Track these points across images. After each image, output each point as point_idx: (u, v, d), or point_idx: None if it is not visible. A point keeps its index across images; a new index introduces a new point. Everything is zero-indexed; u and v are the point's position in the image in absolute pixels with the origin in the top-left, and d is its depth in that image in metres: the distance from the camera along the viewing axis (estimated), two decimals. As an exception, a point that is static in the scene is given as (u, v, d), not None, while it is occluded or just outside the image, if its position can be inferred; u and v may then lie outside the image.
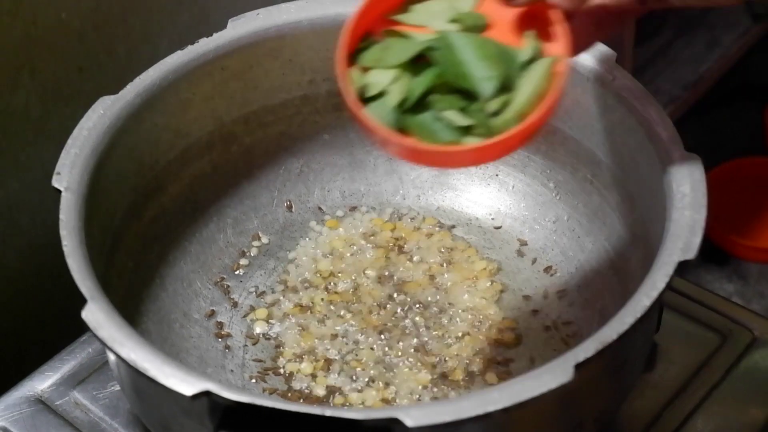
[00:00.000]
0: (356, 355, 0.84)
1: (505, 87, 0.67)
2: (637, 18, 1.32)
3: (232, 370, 0.84)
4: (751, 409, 0.83)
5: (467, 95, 0.67)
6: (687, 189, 0.74)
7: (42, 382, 0.86)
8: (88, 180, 0.77)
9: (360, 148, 0.94)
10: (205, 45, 0.86)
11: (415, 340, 0.84)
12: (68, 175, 0.76)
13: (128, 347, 0.67)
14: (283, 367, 0.84)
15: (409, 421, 0.62)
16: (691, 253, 0.69)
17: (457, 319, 0.86)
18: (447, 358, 0.83)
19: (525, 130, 0.66)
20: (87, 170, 0.77)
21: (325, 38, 0.84)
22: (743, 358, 0.86)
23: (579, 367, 0.64)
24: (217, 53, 0.86)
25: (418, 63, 0.69)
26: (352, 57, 0.69)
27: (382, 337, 0.85)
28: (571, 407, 0.71)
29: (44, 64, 0.93)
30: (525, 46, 0.69)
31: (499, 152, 0.69)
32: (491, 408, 0.63)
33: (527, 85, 0.67)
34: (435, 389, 0.82)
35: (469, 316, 0.86)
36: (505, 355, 0.84)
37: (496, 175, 0.94)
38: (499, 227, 0.93)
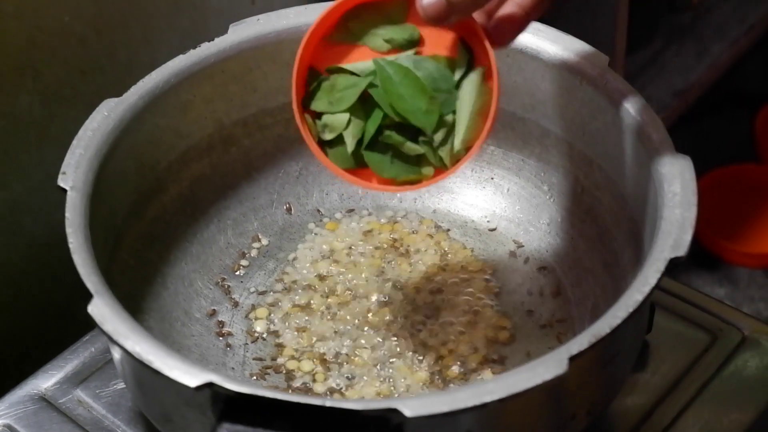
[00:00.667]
0: (354, 354, 0.84)
1: (445, 111, 0.73)
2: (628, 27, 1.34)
3: (233, 368, 0.85)
4: (741, 407, 0.83)
5: (414, 127, 0.74)
6: (677, 188, 0.74)
7: (46, 381, 0.86)
8: (92, 179, 0.78)
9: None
10: (206, 49, 0.87)
11: (412, 340, 0.85)
12: (73, 174, 0.77)
13: (133, 340, 0.68)
14: (284, 365, 0.84)
15: (407, 411, 0.63)
16: (682, 250, 0.70)
17: (454, 319, 0.86)
18: (444, 357, 0.84)
19: (472, 153, 0.72)
20: (91, 170, 0.78)
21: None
22: (733, 357, 0.86)
23: (573, 359, 0.65)
24: (219, 57, 0.87)
25: (365, 97, 0.74)
26: (305, 99, 0.75)
27: (380, 336, 0.86)
28: (565, 399, 0.72)
29: (47, 68, 0.93)
30: (457, 56, 0.73)
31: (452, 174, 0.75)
32: (487, 398, 0.64)
33: (465, 108, 0.72)
34: (432, 387, 0.82)
35: (466, 316, 0.86)
36: (501, 353, 0.84)
37: (492, 179, 0.94)
38: (495, 229, 0.93)
